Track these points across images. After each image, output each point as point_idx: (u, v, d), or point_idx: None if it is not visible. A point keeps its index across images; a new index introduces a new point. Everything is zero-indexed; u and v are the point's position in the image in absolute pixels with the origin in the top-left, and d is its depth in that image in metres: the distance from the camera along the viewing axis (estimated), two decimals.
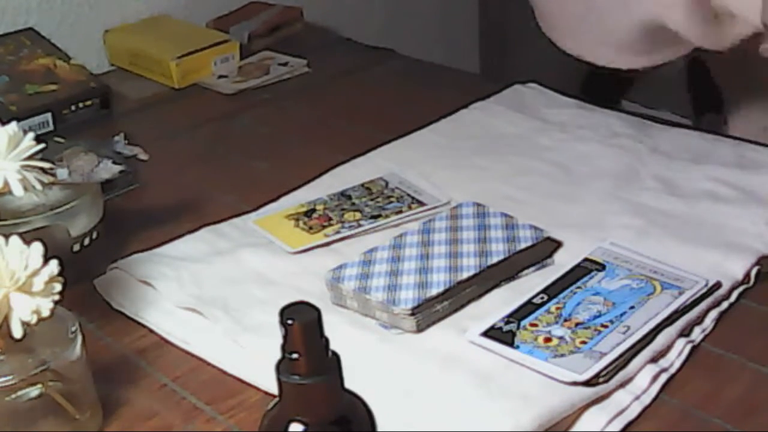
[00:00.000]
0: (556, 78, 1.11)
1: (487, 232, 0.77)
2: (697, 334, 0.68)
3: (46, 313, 0.56)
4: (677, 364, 0.66)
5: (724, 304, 0.71)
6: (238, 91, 1.20)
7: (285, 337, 0.44)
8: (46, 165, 0.67)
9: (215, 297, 0.75)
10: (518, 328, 0.67)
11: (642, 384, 0.63)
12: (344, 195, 0.88)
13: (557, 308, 0.69)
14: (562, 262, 0.76)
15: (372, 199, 0.87)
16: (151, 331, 0.74)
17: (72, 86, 1.13)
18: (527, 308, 0.69)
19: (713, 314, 0.70)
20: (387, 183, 0.90)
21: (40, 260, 0.57)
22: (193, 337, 0.72)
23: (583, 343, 0.65)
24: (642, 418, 0.61)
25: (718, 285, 0.71)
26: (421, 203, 0.86)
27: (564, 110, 1.04)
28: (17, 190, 0.65)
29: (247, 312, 0.72)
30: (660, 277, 0.71)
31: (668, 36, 0.95)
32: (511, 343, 0.66)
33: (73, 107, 1.11)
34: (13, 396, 0.59)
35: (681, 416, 0.62)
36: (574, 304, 0.69)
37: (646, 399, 0.63)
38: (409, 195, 0.88)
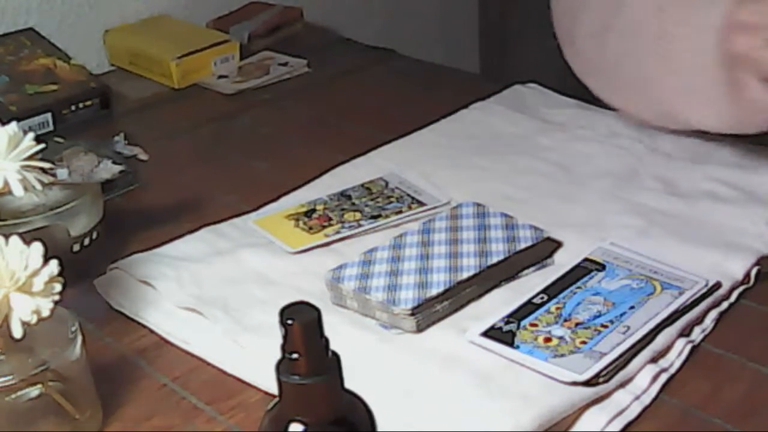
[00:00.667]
0: (556, 78, 1.11)
1: (487, 232, 0.77)
2: (697, 334, 0.68)
3: (46, 313, 0.56)
4: (677, 364, 0.66)
5: (724, 304, 0.71)
6: (238, 91, 1.20)
7: (285, 337, 0.44)
8: (46, 165, 0.67)
9: (215, 297, 0.75)
10: (518, 328, 0.67)
11: (642, 384, 0.63)
12: (344, 195, 0.88)
13: (557, 308, 0.69)
14: (562, 262, 0.76)
15: (372, 199, 0.87)
16: (151, 331, 0.74)
17: (72, 86, 1.13)
18: (527, 308, 0.69)
19: (713, 314, 0.70)
20: (387, 183, 0.90)
21: (40, 260, 0.57)
22: (193, 337, 0.72)
23: (583, 343, 0.65)
24: (642, 418, 0.61)
25: (718, 285, 0.71)
26: (421, 203, 0.86)
27: (564, 110, 1.04)
28: (17, 190, 0.65)
29: (247, 312, 0.72)
30: (660, 277, 0.71)
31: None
32: (511, 343, 0.66)
33: (73, 107, 1.11)
34: (13, 396, 0.59)
35: (681, 416, 0.62)
36: (574, 304, 0.69)
37: (646, 399, 0.63)
38: (409, 195, 0.88)
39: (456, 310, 0.71)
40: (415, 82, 1.20)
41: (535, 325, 0.67)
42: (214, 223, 0.86)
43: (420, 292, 0.70)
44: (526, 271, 0.75)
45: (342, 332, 0.69)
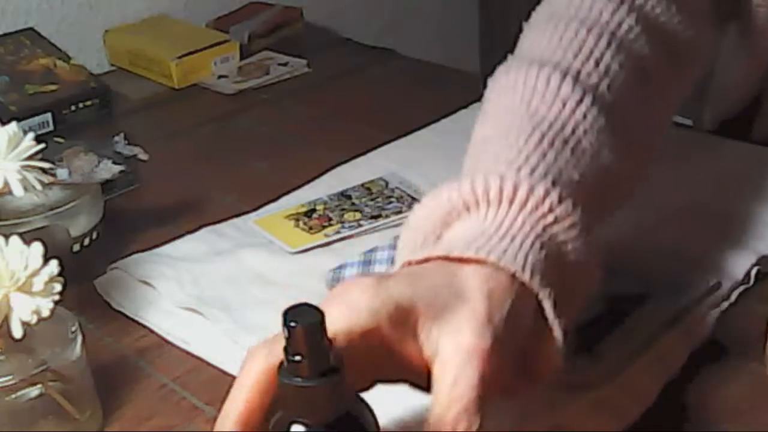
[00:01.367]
0: None
1: None
2: (697, 334, 0.68)
3: (46, 313, 0.56)
4: (677, 365, 0.66)
5: (724, 304, 0.71)
6: (238, 91, 1.20)
7: (288, 340, 0.43)
8: (46, 165, 0.68)
9: (215, 297, 0.75)
10: None
11: (643, 384, 0.63)
12: (344, 195, 0.88)
13: None
14: None
15: (372, 199, 0.87)
16: (151, 331, 0.74)
17: (72, 86, 1.13)
18: None
19: (713, 314, 0.70)
20: (387, 183, 0.90)
21: (40, 260, 0.57)
22: (193, 337, 0.72)
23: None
24: (642, 419, 0.61)
25: (718, 285, 0.71)
26: None
27: None
28: (17, 190, 0.65)
29: (247, 312, 0.72)
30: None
31: None
32: None
33: (73, 107, 1.11)
34: (13, 396, 0.59)
35: (680, 416, 0.62)
36: None
37: (647, 399, 0.63)
38: (409, 195, 0.88)
39: None
40: (415, 82, 1.20)
41: None
42: (214, 223, 0.86)
43: None
44: None
45: None
